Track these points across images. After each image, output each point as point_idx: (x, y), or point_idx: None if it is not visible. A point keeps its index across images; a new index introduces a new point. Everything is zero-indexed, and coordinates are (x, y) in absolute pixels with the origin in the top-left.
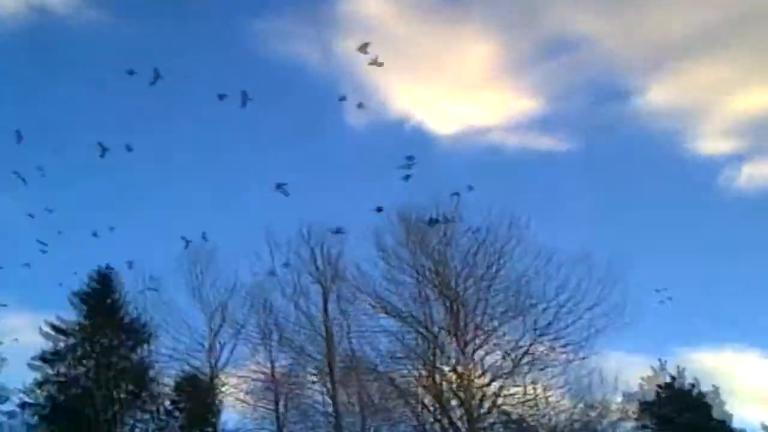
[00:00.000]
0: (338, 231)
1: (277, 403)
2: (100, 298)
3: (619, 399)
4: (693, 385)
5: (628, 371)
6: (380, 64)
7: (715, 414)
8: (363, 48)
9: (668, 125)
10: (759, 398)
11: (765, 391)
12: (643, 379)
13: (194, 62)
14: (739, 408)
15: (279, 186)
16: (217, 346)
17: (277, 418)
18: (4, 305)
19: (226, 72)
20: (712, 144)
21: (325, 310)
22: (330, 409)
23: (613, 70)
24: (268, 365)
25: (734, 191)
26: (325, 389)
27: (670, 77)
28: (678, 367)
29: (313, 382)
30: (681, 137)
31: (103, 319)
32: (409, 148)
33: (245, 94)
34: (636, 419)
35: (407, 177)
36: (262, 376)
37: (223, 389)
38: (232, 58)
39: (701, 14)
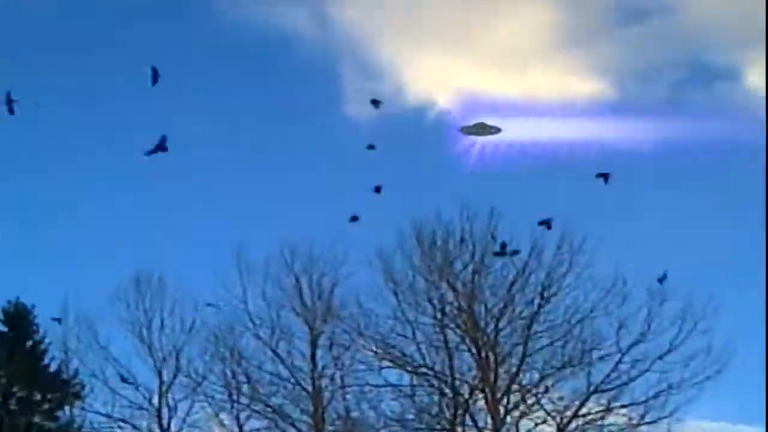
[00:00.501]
0: (354, 219)
1: None
2: (15, 341)
3: None
4: None
5: None
6: None
7: None
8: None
9: None
10: None
11: None
12: None
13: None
14: None
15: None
16: (169, 404)
17: None
18: None
19: (183, 44)
20: None
21: (313, 359)
22: None
23: (707, 43)
24: (236, 430)
25: None
26: None
27: None
28: None
29: None
30: None
31: (19, 368)
32: (432, 144)
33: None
34: None
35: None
36: None
37: None
38: (195, 25)
39: None
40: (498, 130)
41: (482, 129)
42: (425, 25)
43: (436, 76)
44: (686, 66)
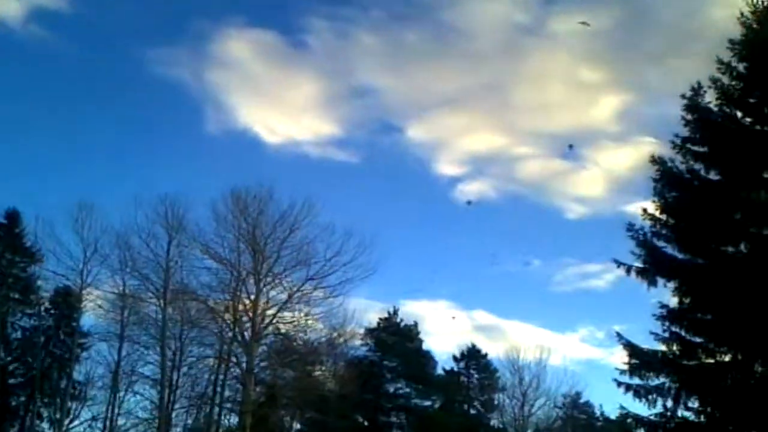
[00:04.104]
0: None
1: (123, 312)
2: (9, 230)
3: (362, 330)
4: (402, 319)
5: (372, 313)
6: None
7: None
8: None
9: (421, 153)
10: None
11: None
12: (379, 318)
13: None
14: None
15: None
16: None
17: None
18: None
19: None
20: (448, 168)
21: (168, 251)
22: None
23: (388, 112)
24: (122, 286)
25: (460, 199)
26: (158, 306)
27: (424, 121)
28: (394, 307)
29: (150, 299)
30: (428, 162)
31: (7, 246)
32: (246, 150)
33: None
34: (361, 339)
35: None
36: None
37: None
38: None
39: (448, 81)
40: None
41: None
42: (254, 85)
43: (255, 114)
44: None
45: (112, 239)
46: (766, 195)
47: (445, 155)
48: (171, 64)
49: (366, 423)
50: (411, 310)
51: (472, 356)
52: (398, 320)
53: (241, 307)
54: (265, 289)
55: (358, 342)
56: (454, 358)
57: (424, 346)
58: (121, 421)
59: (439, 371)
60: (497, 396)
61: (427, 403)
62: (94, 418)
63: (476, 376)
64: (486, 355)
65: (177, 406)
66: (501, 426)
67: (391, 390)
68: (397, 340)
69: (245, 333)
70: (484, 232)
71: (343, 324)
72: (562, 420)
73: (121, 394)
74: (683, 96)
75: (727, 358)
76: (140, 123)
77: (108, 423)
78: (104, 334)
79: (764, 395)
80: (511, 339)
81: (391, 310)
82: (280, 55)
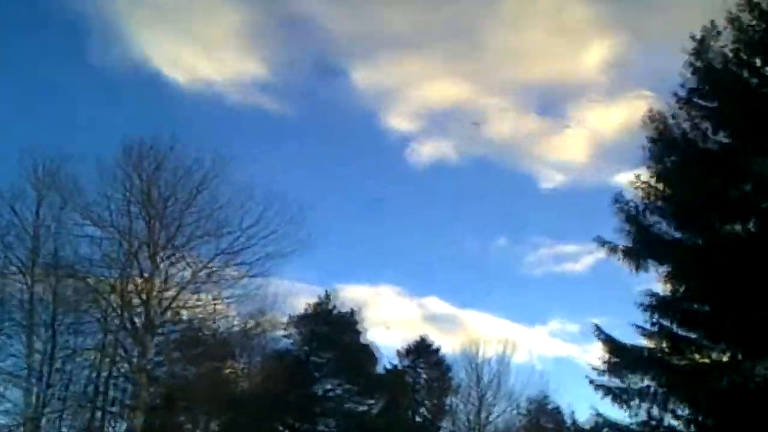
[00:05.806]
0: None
1: None
2: None
3: (286, 319)
4: (335, 306)
5: (300, 296)
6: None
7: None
8: None
9: (367, 103)
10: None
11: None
12: (308, 304)
13: None
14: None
15: None
16: None
17: None
18: None
19: None
20: (400, 122)
21: (37, 214)
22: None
23: (329, 51)
24: None
25: (414, 162)
26: (24, 284)
27: (373, 64)
28: (326, 291)
29: (14, 275)
30: (376, 114)
31: None
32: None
33: None
34: (285, 329)
35: None
36: None
37: None
38: None
39: (405, 16)
40: None
41: None
42: (160, 11)
43: (157, 46)
44: None
45: None
46: None
47: (397, 107)
48: None
49: (287, 431)
50: (350, 295)
51: (422, 351)
52: (332, 307)
53: (131, 286)
54: (162, 265)
55: (280, 332)
56: (399, 353)
57: (364, 339)
58: None
59: (382, 369)
60: (450, 399)
61: (365, 407)
62: None
63: (425, 375)
64: (438, 350)
65: (48, 409)
66: None
67: (321, 392)
68: (330, 330)
69: (136, 319)
70: (442, 201)
71: (263, 310)
72: (526, 428)
73: None
74: (693, 38)
75: (723, 357)
76: (7, 55)
77: None
78: None
79: (765, 401)
80: (470, 332)
81: (323, 295)
82: None
